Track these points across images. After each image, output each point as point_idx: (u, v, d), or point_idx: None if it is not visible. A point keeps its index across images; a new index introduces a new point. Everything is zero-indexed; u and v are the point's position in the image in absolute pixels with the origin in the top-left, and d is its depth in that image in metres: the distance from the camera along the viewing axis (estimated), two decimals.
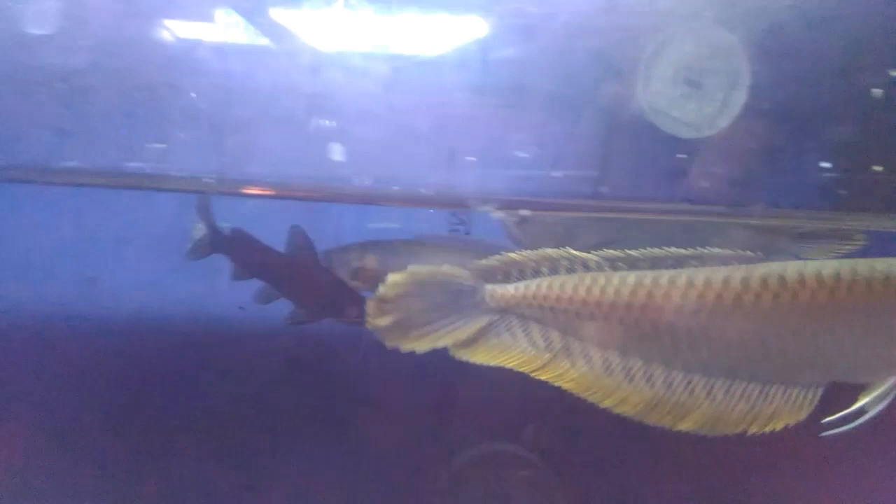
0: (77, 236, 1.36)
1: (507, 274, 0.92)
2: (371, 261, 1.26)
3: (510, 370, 0.89)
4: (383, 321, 0.87)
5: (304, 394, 1.35)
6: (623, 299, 0.87)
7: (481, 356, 0.89)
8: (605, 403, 0.87)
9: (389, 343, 0.88)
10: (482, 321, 0.90)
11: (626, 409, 0.86)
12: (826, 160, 1.08)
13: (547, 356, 0.89)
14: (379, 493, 1.35)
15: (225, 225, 1.22)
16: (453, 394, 1.29)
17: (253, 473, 1.35)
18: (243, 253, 1.24)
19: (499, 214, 1.09)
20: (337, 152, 1.05)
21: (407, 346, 0.88)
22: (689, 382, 0.87)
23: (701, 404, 0.86)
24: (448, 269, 0.90)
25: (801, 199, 1.11)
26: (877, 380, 0.84)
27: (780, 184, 1.11)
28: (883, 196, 1.07)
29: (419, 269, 0.89)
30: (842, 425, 0.83)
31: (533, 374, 0.89)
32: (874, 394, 0.83)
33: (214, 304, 1.38)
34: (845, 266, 0.85)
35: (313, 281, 1.23)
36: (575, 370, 0.88)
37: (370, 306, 0.88)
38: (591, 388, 0.87)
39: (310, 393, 1.36)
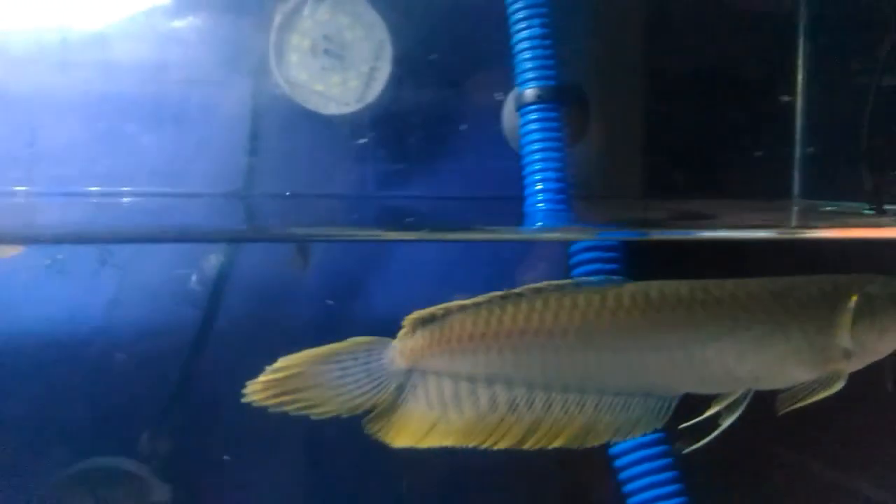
0: None
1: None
2: None
3: None
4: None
5: None
6: (518, 326, 0.90)
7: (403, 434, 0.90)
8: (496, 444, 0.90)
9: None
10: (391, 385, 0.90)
11: (506, 443, 0.90)
12: None
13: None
14: None
15: None
16: None
17: None
18: None
19: None
20: None
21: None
22: (565, 401, 0.92)
23: (574, 420, 0.92)
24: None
25: None
26: (727, 391, 0.92)
27: None
28: None
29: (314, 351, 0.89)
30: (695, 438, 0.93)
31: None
32: (724, 403, 0.92)
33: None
34: (697, 287, 0.92)
35: None
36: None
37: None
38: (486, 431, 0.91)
39: None
